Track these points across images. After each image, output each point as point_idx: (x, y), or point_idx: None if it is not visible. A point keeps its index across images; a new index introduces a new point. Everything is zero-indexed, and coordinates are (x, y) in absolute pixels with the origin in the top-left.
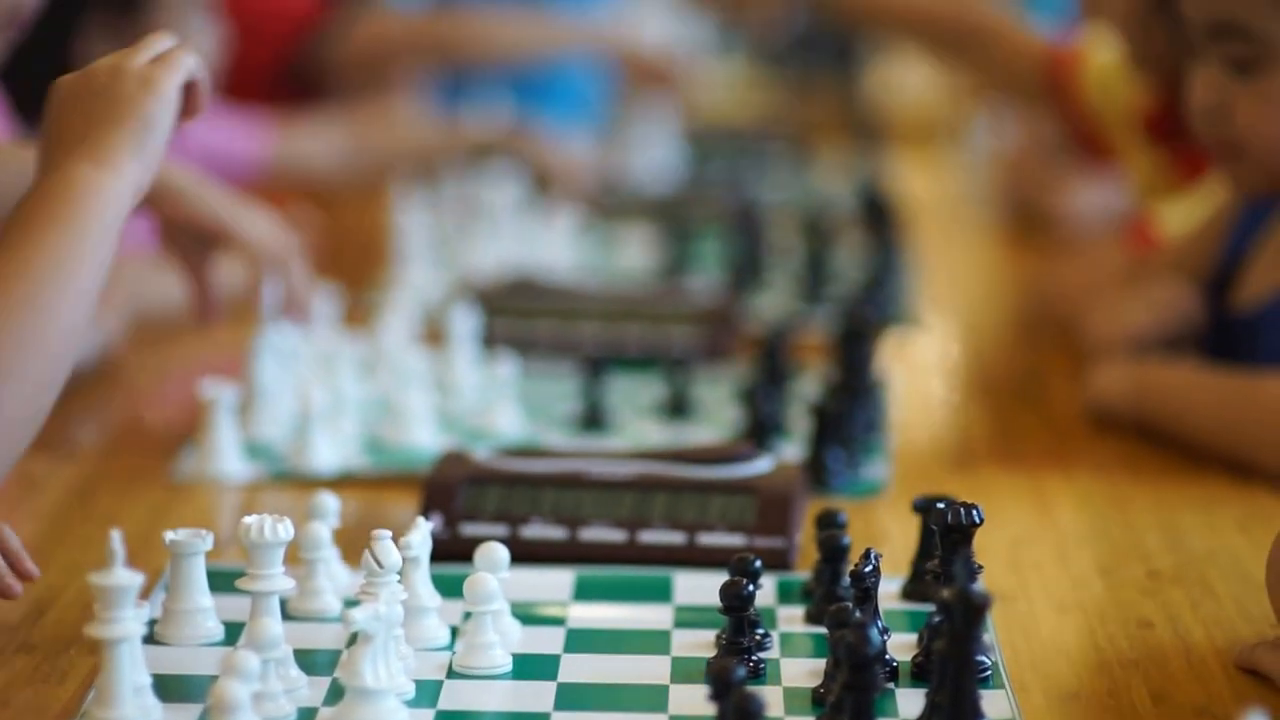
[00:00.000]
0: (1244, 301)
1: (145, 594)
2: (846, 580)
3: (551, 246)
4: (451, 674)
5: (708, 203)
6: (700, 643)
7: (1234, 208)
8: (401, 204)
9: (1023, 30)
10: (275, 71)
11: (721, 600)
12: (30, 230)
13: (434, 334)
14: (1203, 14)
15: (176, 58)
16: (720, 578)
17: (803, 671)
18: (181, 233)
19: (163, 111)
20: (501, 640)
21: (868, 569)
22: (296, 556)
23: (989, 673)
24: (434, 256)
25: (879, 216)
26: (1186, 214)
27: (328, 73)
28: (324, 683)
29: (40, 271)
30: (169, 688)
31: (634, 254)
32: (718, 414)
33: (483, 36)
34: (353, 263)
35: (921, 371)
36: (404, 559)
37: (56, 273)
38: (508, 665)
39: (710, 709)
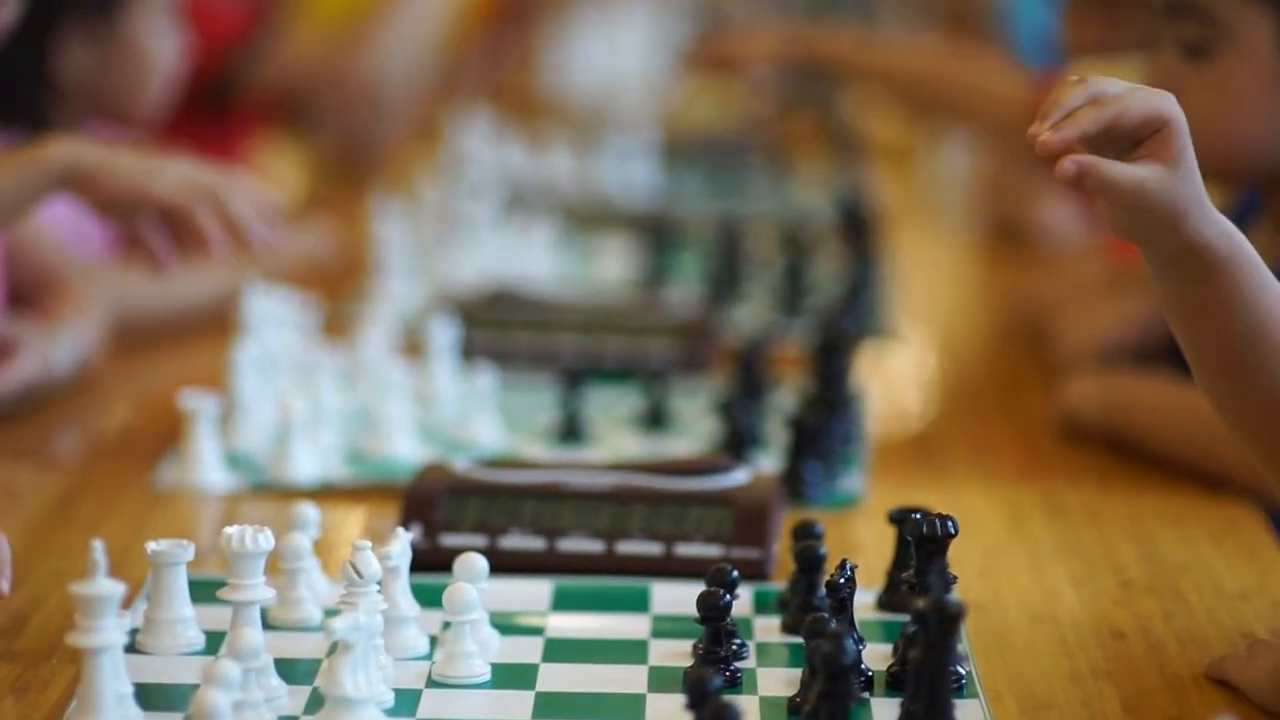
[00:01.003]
0: None
1: (127, 604)
2: (823, 591)
3: (530, 258)
4: (431, 683)
5: (687, 215)
6: (677, 652)
7: None
8: (380, 215)
9: (1002, 75)
10: (194, 89)
11: (699, 610)
12: None
13: (413, 346)
14: None
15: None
16: (697, 588)
17: (779, 681)
18: (108, 208)
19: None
20: (480, 650)
21: (843, 579)
22: (277, 566)
23: (963, 682)
24: (413, 268)
25: (857, 229)
26: None
27: (246, 94)
28: (304, 692)
29: None
30: (150, 697)
31: (612, 265)
32: (695, 426)
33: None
34: (332, 274)
35: (898, 384)
36: (384, 569)
37: None
38: (486, 675)
39: (687, 718)
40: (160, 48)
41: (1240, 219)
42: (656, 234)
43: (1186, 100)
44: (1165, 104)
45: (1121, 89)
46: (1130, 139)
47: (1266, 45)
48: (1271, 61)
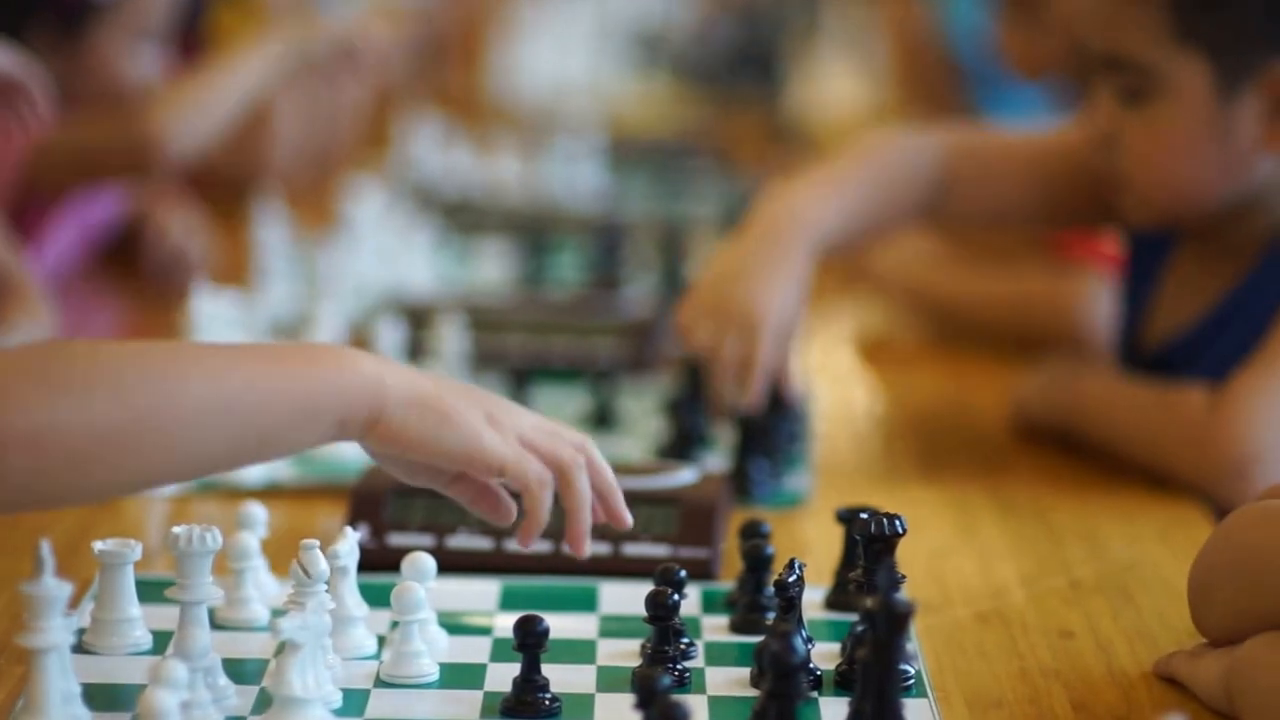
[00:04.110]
0: (1153, 345)
1: (74, 603)
2: (770, 590)
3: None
4: (379, 683)
5: (633, 217)
6: (625, 652)
7: (1127, 249)
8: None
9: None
10: None
11: (647, 610)
12: None
13: (360, 345)
14: (1095, 43)
15: None
16: (645, 588)
17: (727, 680)
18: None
19: None
20: (429, 649)
21: (792, 578)
22: (224, 566)
23: (912, 681)
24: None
25: None
26: None
27: None
28: (252, 691)
29: None
30: (98, 696)
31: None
32: (642, 425)
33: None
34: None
35: (844, 383)
36: (331, 569)
37: None
38: (435, 674)
39: (636, 717)
40: (131, 73)
41: (1159, 249)
42: (607, 236)
43: (1125, 144)
44: None
45: None
46: None
47: (1203, 90)
48: (1208, 106)
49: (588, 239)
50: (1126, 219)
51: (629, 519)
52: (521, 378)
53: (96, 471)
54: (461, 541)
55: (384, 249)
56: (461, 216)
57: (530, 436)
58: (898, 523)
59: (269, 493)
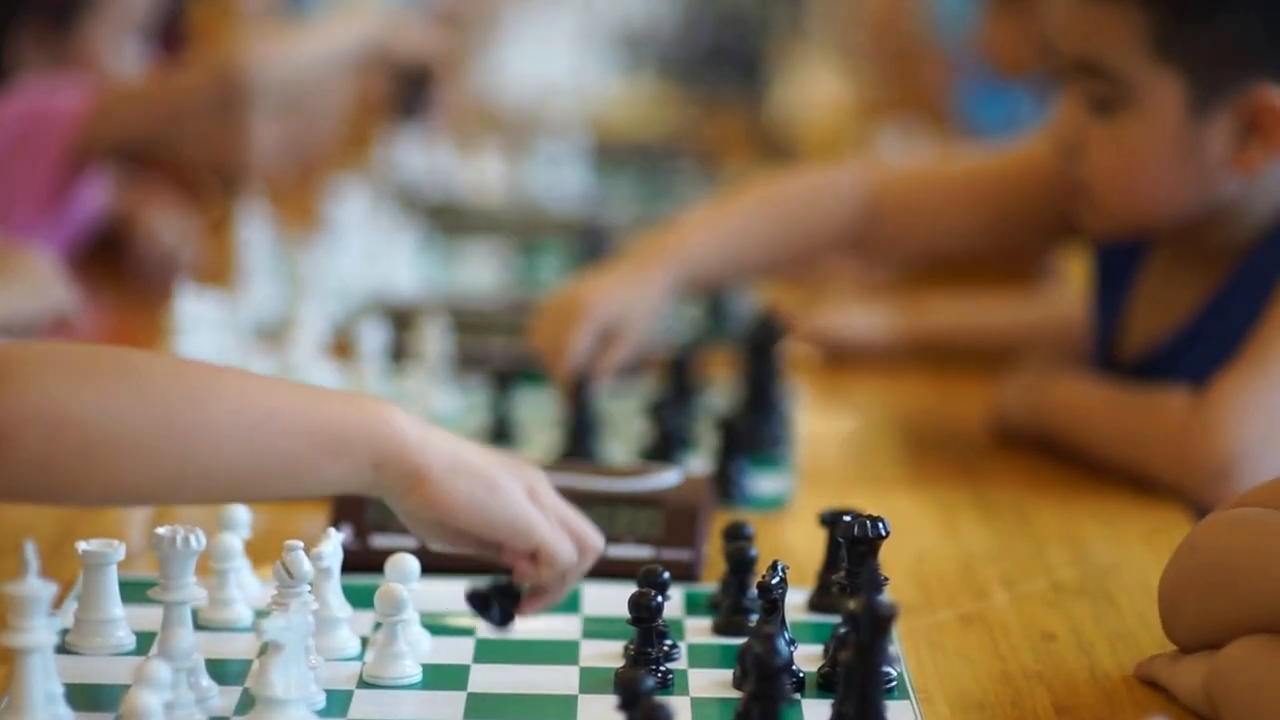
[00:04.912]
0: (1129, 356)
1: (58, 604)
2: (754, 592)
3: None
4: (362, 684)
5: (616, 220)
6: (609, 653)
7: (1096, 260)
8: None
9: None
10: None
11: (630, 611)
12: None
13: (344, 348)
14: (1068, 47)
15: None
16: (628, 589)
17: (710, 682)
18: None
19: None
20: (411, 650)
21: (775, 580)
22: (207, 567)
23: (894, 683)
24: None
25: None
26: None
27: None
28: (235, 692)
29: None
30: (81, 697)
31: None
32: (625, 428)
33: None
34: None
35: (827, 386)
36: (315, 570)
37: None
38: (418, 675)
39: (619, 719)
40: (117, 66)
41: (1129, 258)
42: (591, 238)
43: (1089, 153)
44: None
45: None
46: None
47: (1175, 106)
48: (1178, 122)
49: (572, 241)
50: (1084, 228)
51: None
52: (504, 380)
53: (107, 468)
54: None
55: (367, 250)
56: (445, 218)
57: (565, 517)
58: (880, 525)
59: None
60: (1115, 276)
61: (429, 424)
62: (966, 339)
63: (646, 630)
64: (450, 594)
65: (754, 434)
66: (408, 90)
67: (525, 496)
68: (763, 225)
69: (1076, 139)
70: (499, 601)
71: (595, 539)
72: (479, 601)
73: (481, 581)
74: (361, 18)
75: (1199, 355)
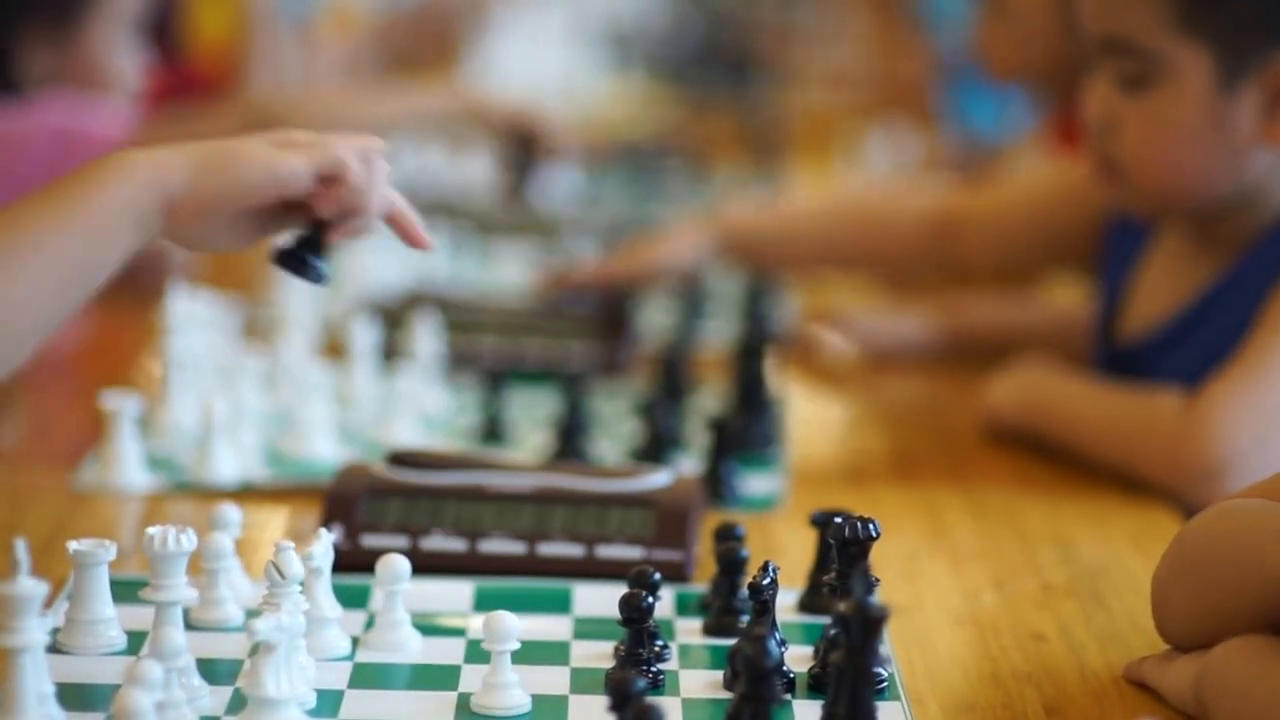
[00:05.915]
0: (1128, 335)
1: (49, 603)
2: (744, 593)
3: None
4: (353, 684)
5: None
6: (599, 654)
7: (1106, 241)
8: None
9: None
10: None
11: (620, 612)
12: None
13: (335, 347)
14: (1096, 27)
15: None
16: (619, 590)
17: (701, 683)
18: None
19: (250, 173)
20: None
21: (765, 581)
22: (198, 567)
23: (885, 684)
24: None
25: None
26: None
27: None
28: (226, 692)
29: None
30: (72, 696)
31: (511, 271)
32: (616, 428)
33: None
34: (249, 274)
35: (818, 387)
36: (306, 570)
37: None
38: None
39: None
40: (118, 63)
41: (1137, 239)
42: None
43: (1123, 131)
44: None
45: None
46: None
47: (1204, 79)
48: (1209, 95)
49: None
50: (1122, 206)
51: (428, 241)
52: (495, 379)
53: None
54: (435, 543)
55: (358, 249)
56: (435, 218)
57: (327, 139)
58: (871, 527)
59: (243, 494)
60: (1122, 256)
61: (158, 151)
62: (1003, 336)
63: (637, 631)
64: (441, 594)
65: (745, 434)
66: (517, 151)
67: (269, 146)
68: (823, 220)
69: (1110, 118)
70: (309, 251)
71: (368, 138)
72: (289, 260)
73: (284, 239)
74: (447, 82)
75: (1196, 342)
